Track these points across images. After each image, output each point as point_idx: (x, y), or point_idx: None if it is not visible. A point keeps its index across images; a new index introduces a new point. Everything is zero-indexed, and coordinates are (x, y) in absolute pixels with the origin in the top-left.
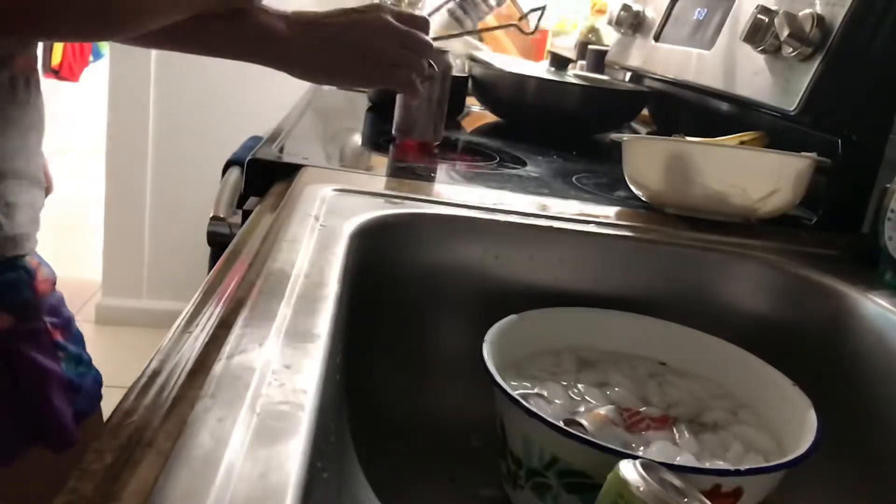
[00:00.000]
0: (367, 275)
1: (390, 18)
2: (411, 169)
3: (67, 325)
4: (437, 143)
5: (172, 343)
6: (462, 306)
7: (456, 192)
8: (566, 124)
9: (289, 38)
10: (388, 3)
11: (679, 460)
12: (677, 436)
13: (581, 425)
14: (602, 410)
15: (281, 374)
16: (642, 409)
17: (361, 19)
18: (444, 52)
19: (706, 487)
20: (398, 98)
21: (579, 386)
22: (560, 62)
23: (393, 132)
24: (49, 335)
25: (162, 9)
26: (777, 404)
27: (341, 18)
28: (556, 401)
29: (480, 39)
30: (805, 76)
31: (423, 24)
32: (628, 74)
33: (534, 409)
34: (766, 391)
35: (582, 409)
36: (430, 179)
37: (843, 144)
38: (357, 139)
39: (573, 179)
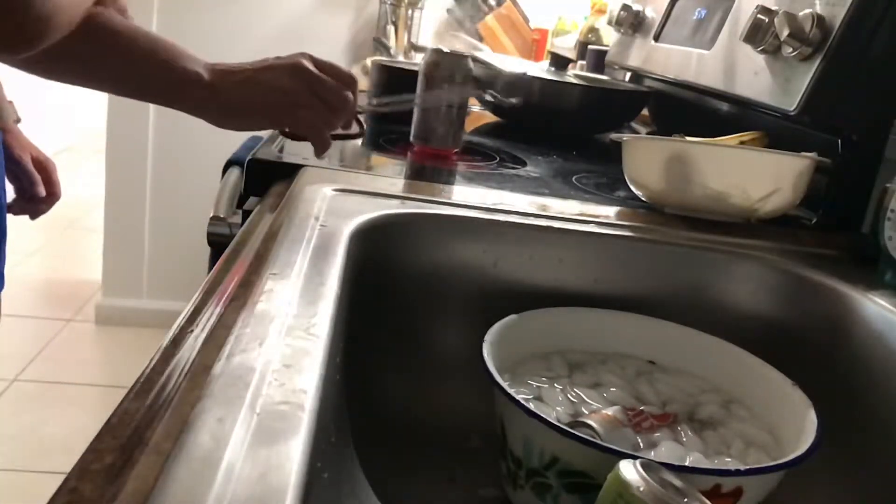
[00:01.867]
0: (367, 275)
1: (307, 63)
2: (412, 169)
3: None
4: (457, 150)
5: (172, 343)
6: (462, 306)
7: (456, 192)
8: (566, 124)
9: (210, 85)
10: (388, 3)
11: (690, 461)
12: (683, 436)
13: (590, 427)
14: (609, 411)
15: (281, 374)
16: (643, 406)
17: (277, 62)
18: (464, 58)
19: (706, 487)
20: (416, 104)
21: (576, 389)
22: (560, 62)
23: (411, 139)
24: None
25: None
26: (777, 404)
27: (259, 63)
28: (558, 407)
29: (480, 39)
30: (805, 76)
31: (346, 78)
32: (628, 74)
33: (534, 410)
34: (766, 391)
35: (585, 409)
36: (431, 180)
37: (843, 144)
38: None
39: (573, 179)
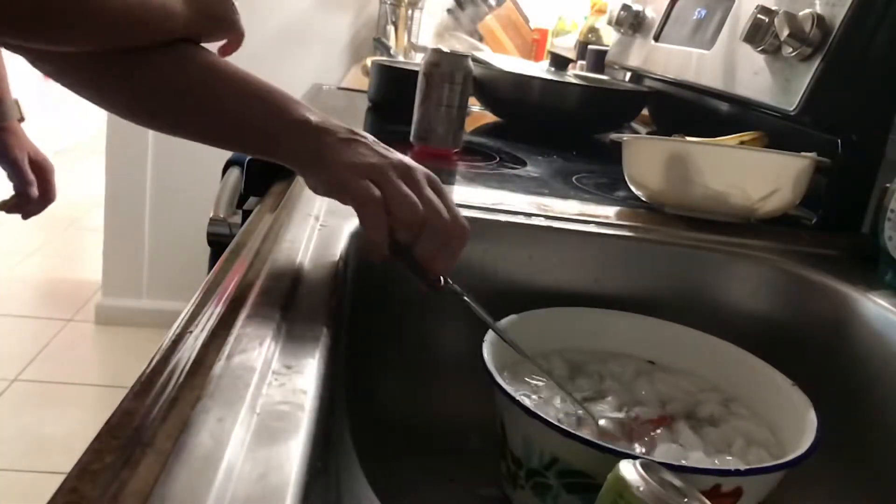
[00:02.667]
0: (367, 275)
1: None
2: None
3: None
4: (457, 150)
5: (172, 343)
6: (462, 306)
7: (456, 192)
8: (566, 124)
9: (319, 130)
10: (388, 3)
11: (690, 459)
12: (681, 436)
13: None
14: (602, 422)
15: (281, 374)
16: (637, 410)
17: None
18: (464, 58)
19: (706, 487)
20: (416, 104)
21: (575, 394)
22: (560, 62)
23: (411, 139)
24: None
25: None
26: (777, 404)
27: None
28: (557, 406)
29: (480, 39)
30: (805, 76)
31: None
32: (628, 74)
33: (534, 410)
34: (766, 391)
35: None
36: None
37: (843, 144)
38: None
39: (573, 179)
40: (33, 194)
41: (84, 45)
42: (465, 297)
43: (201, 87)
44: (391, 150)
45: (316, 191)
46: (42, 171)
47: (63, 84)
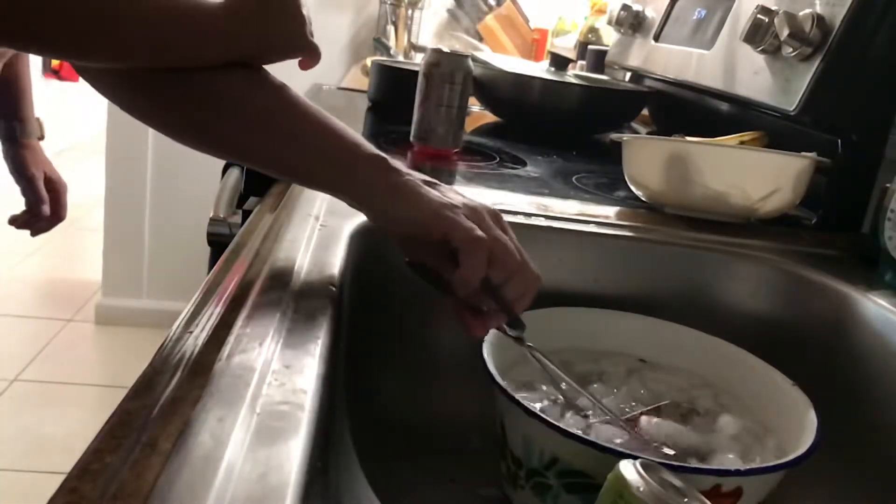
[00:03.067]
0: (367, 275)
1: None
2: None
3: None
4: (457, 150)
5: (172, 343)
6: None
7: None
8: (566, 124)
9: (391, 169)
10: (388, 3)
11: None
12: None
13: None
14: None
15: (281, 374)
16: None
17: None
18: (464, 58)
19: (706, 487)
20: (416, 104)
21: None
22: (560, 62)
23: (411, 139)
24: None
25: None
26: (777, 404)
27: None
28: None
29: (480, 39)
30: (805, 76)
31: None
32: (628, 74)
33: (534, 409)
34: (766, 391)
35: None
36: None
37: (843, 144)
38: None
39: (573, 179)
40: (45, 212)
41: (106, 62)
42: (531, 347)
43: (270, 114)
44: (462, 194)
45: (389, 225)
46: (55, 190)
47: (120, 107)
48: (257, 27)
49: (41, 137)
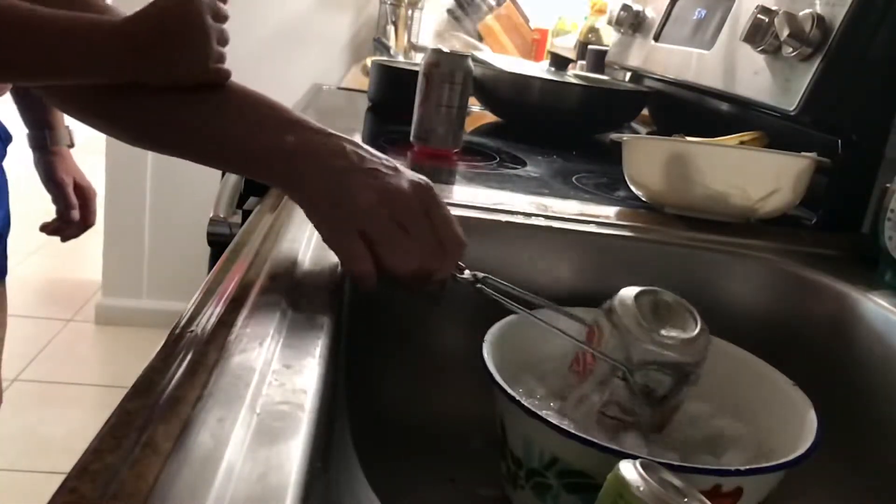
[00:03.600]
0: None
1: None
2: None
3: None
4: (457, 150)
5: (172, 343)
6: (462, 306)
7: (456, 192)
8: (566, 124)
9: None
10: (388, 3)
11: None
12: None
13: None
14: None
15: (281, 374)
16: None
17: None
18: (464, 58)
19: (706, 487)
20: (416, 104)
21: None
22: (560, 62)
23: (411, 139)
24: None
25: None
26: (777, 404)
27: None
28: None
29: (480, 39)
30: (805, 76)
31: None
32: (628, 74)
33: (534, 409)
34: (766, 391)
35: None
36: (431, 180)
37: (843, 144)
38: (357, 139)
39: (573, 179)
40: (74, 217)
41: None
42: (482, 283)
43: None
44: (378, 159)
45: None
46: (84, 196)
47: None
48: (154, 52)
49: (71, 145)
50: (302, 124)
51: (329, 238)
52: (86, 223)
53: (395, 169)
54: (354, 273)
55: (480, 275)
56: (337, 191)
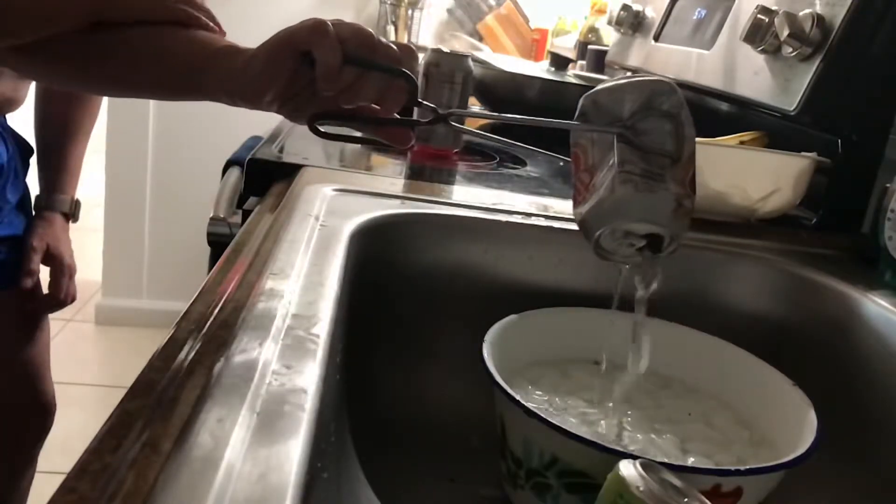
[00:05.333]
0: (367, 275)
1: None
2: (412, 170)
3: None
4: (457, 150)
5: (172, 343)
6: (462, 306)
7: (456, 192)
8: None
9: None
10: (388, 3)
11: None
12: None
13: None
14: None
15: (281, 374)
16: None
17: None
18: (464, 58)
19: (706, 487)
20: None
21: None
22: (560, 62)
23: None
24: None
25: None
26: (777, 404)
27: None
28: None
29: (480, 39)
30: (805, 76)
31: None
32: (628, 74)
33: (534, 410)
34: (767, 391)
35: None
36: (431, 179)
37: (843, 144)
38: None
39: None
40: (24, 285)
41: None
42: (452, 119)
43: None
44: None
45: (253, 93)
46: (56, 269)
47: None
48: None
49: (69, 216)
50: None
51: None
52: (54, 299)
53: None
54: (326, 67)
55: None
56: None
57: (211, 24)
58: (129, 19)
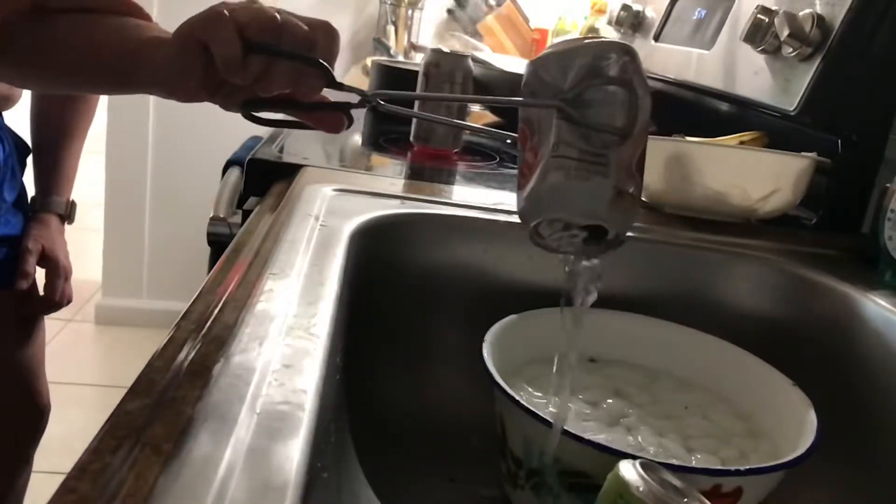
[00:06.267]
0: (367, 275)
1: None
2: (412, 170)
3: None
4: (457, 150)
5: (172, 343)
6: (462, 306)
7: (456, 192)
8: None
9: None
10: (388, 3)
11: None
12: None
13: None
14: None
15: (281, 374)
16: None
17: None
18: (464, 58)
19: (706, 487)
20: (416, 103)
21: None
22: None
23: (411, 139)
24: None
25: None
26: (777, 404)
27: None
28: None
29: (480, 39)
30: (805, 76)
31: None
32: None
33: (534, 410)
34: (766, 391)
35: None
36: (431, 180)
37: (843, 144)
38: (357, 139)
39: None
40: (20, 286)
41: None
42: (376, 101)
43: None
44: None
45: (178, 85)
46: (51, 271)
47: None
48: None
49: (64, 218)
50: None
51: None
52: (48, 302)
53: None
54: (224, 57)
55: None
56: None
57: (143, 11)
58: (66, 5)
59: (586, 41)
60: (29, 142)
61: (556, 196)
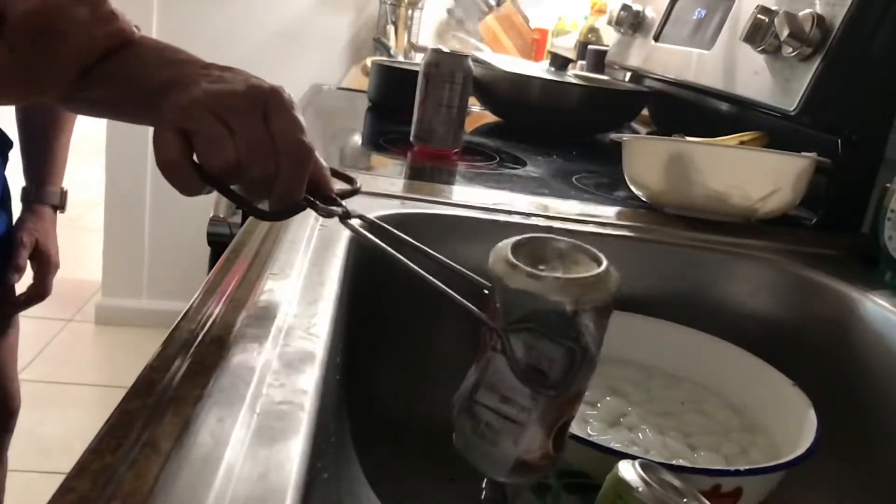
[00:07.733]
0: (367, 275)
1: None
2: (412, 170)
3: None
4: (457, 150)
5: (172, 343)
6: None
7: (456, 192)
8: (566, 124)
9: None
10: (388, 3)
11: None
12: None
13: None
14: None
15: (281, 374)
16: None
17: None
18: (464, 58)
19: (706, 488)
20: (416, 104)
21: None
22: (560, 62)
23: (411, 139)
24: None
25: None
26: (777, 404)
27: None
28: None
29: (480, 39)
30: (805, 76)
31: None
32: (628, 74)
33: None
34: (766, 391)
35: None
36: (431, 180)
37: (843, 144)
38: (357, 139)
39: (573, 179)
40: (11, 280)
41: None
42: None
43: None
44: (233, 72)
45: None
46: (42, 265)
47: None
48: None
49: (57, 207)
50: (184, 61)
51: (153, 137)
52: (37, 294)
53: (242, 75)
54: (158, 163)
55: (357, 211)
56: (171, 95)
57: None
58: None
59: (569, 277)
60: (9, 134)
61: (459, 441)
